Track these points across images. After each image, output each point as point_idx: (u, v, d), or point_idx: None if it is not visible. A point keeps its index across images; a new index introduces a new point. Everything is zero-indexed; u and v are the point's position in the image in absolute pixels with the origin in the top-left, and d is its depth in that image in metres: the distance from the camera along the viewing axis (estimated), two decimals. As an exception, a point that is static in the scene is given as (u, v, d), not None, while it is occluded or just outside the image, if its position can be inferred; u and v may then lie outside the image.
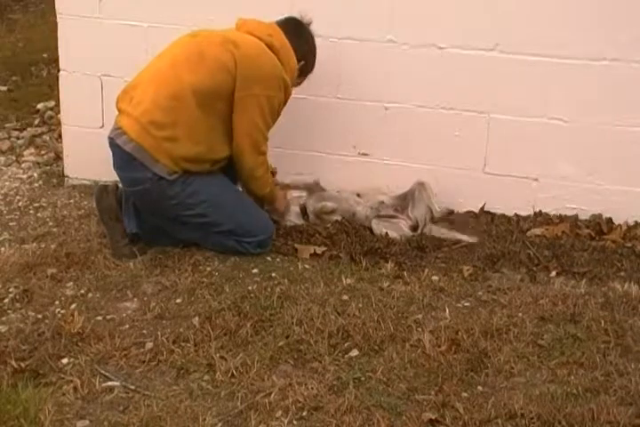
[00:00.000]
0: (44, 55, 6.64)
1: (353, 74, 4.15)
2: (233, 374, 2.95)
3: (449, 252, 3.84)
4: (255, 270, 3.68)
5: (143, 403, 2.83)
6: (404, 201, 4.07)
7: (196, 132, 3.67)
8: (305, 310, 3.31)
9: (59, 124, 4.96)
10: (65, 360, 3.06)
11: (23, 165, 4.94)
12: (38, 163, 4.96)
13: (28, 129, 5.43)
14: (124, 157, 3.72)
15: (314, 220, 4.10)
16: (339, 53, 4.12)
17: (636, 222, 3.98)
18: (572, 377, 2.92)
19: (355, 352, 3.08)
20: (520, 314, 3.31)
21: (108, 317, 3.35)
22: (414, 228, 4.00)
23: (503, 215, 4.12)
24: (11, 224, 4.20)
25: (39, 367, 3.02)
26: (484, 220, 4.10)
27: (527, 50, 3.92)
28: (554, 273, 3.65)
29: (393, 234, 3.94)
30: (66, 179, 4.67)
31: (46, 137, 5.31)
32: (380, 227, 3.98)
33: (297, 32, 3.92)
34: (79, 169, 4.63)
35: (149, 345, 3.15)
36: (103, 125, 4.49)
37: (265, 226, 3.87)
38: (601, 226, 3.96)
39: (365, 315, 3.29)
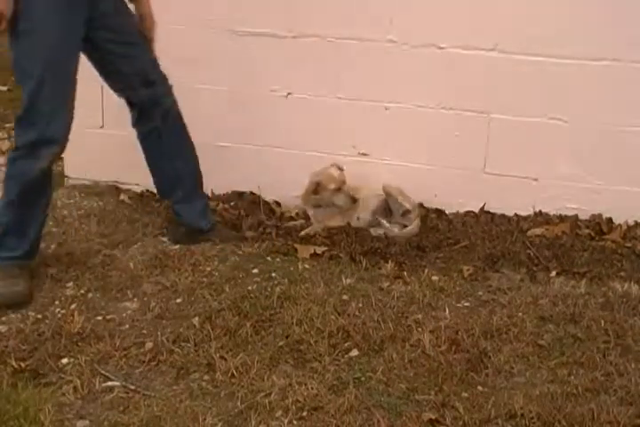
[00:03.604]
0: (44, 55, 6.63)
1: (353, 74, 4.15)
2: (233, 374, 2.95)
3: (449, 252, 3.84)
4: (255, 270, 3.68)
5: (143, 403, 2.83)
6: (384, 210, 4.07)
7: None
8: (305, 310, 3.31)
9: (59, 124, 4.95)
10: (65, 360, 3.06)
11: (23, 165, 4.93)
12: (38, 163, 4.96)
13: (28, 129, 5.42)
14: None
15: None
16: (339, 53, 4.12)
17: (635, 222, 3.98)
18: (572, 377, 2.93)
19: (355, 352, 3.08)
20: (520, 314, 3.31)
21: (108, 317, 3.35)
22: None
23: (503, 215, 4.11)
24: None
25: (39, 367, 3.02)
26: (483, 220, 4.10)
27: (527, 50, 3.92)
28: (554, 273, 3.65)
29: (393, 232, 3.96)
30: (66, 179, 4.67)
31: (46, 137, 5.30)
32: (377, 231, 4.00)
33: None
34: (79, 169, 4.63)
35: (149, 345, 3.15)
36: (103, 125, 4.49)
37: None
38: (601, 226, 3.97)
39: (365, 315, 3.29)
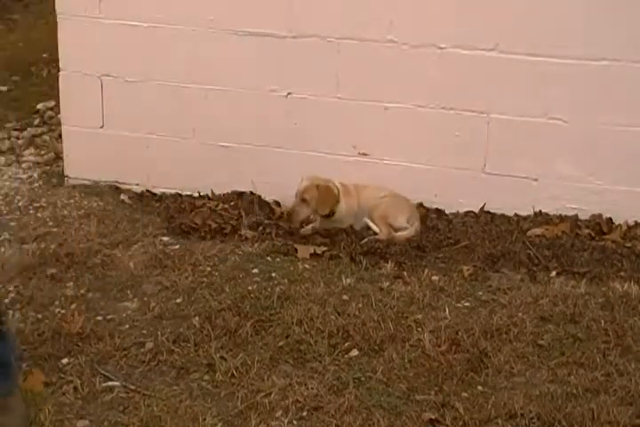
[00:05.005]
0: (44, 55, 6.63)
1: (353, 74, 4.15)
2: (233, 374, 2.95)
3: (449, 252, 3.84)
4: (255, 270, 3.68)
5: (143, 403, 2.83)
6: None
7: None
8: (305, 310, 3.31)
9: (59, 124, 4.96)
10: (65, 360, 3.06)
11: (23, 165, 4.94)
12: (38, 163, 4.96)
13: (28, 129, 5.43)
14: None
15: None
16: (339, 53, 4.12)
17: (635, 222, 3.98)
18: (572, 377, 2.93)
19: (355, 352, 3.08)
20: (520, 314, 3.31)
21: (108, 317, 3.35)
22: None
23: (503, 215, 4.11)
24: (11, 224, 4.20)
25: (39, 367, 3.02)
26: (483, 220, 4.10)
27: (527, 50, 3.92)
28: (554, 273, 3.65)
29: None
30: (66, 179, 4.67)
31: (46, 137, 5.31)
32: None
33: None
34: (79, 169, 4.63)
35: (149, 345, 3.15)
36: (103, 125, 4.49)
37: None
38: (601, 226, 3.96)
39: (365, 315, 3.29)
